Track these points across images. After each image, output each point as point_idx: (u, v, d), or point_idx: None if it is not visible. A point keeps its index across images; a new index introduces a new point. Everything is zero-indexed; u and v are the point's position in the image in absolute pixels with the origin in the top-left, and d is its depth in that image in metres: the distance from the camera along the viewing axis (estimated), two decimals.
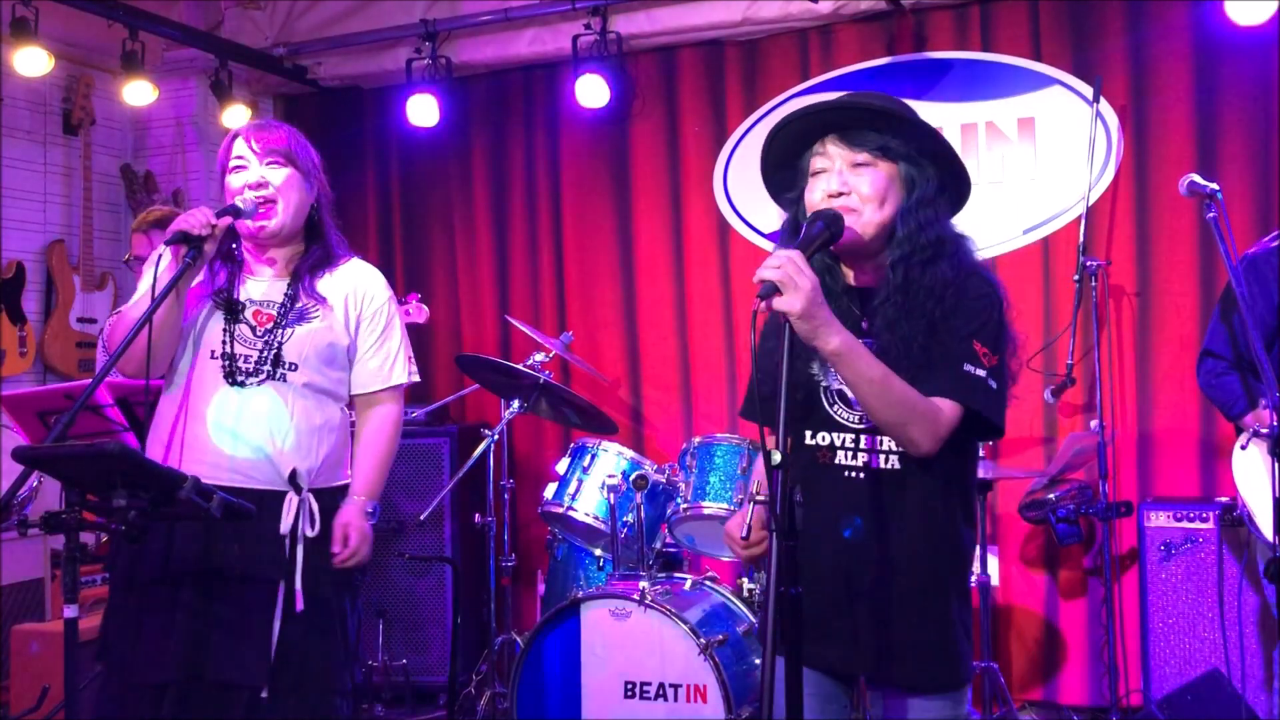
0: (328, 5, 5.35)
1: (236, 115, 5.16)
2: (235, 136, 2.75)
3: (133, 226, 3.91)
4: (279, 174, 2.70)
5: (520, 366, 4.18)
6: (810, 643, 2.07)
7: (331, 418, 2.75)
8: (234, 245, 2.77)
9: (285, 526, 2.62)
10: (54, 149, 5.14)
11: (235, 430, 2.64)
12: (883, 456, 2.07)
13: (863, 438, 2.08)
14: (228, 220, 2.60)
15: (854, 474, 2.09)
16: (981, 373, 2.01)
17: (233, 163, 2.72)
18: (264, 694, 2.58)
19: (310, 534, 2.65)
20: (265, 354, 2.66)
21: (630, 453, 4.07)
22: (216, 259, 2.74)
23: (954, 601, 2.10)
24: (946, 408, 2.00)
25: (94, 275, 5.08)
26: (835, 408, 2.11)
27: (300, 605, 2.61)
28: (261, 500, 2.58)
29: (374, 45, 5.33)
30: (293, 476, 2.64)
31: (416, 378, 2.92)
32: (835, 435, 2.11)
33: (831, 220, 2.00)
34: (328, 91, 5.64)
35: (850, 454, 2.09)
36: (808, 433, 2.14)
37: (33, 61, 4.54)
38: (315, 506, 2.67)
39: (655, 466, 4.04)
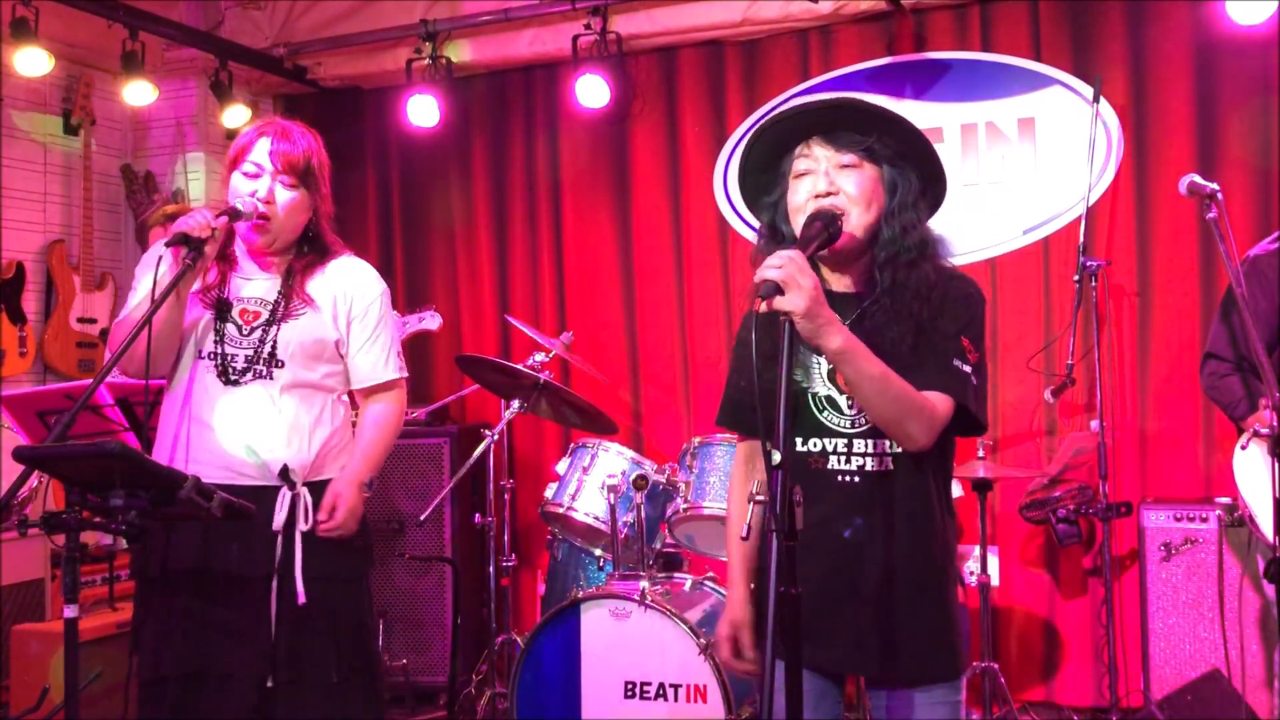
0: (328, 5, 5.35)
1: (236, 115, 5.17)
2: (261, 135, 2.72)
3: (151, 222, 3.92)
4: (286, 195, 2.70)
5: (520, 366, 4.18)
6: (810, 645, 2.08)
7: (324, 411, 2.77)
8: (228, 244, 2.77)
9: (278, 522, 2.63)
10: (54, 149, 5.14)
11: (227, 428, 2.66)
12: (875, 459, 2.08)
13: (855, 442, 2.10)
14: (226, 221, 2.61)
15: (848, 478, 2.10)
16: (967, 369, 2.05)
17: (247, 165, 2.70)
18: (269, 683, 2.60)
19: (304, 528, 2.66)
20: (254, 352, 2.68)
21: (630, 453, 4.07)
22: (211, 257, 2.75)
23: (948, 592, 2.13)
24: (940, 402, 2.02)
25: (94, 275, 5.08)
26: (825, 414, 2.12)
27: (302, 599, 2.62)
28: (256, 496, 2.60)
29: (374, 45, 5.32)
30: (284, 473, 2.66)
31: (405, 373, 2.94)
32: (827, 441, 2.12)
33: (830, 221, 2.01)
34: (328, 91, 5.64)
35: (843, 458, 2.10)
36: (798, 440, 2.14)
37: (33, 61, 4.54)
38: (310, 501, 2.68)
39: (655, 466, 4.03)
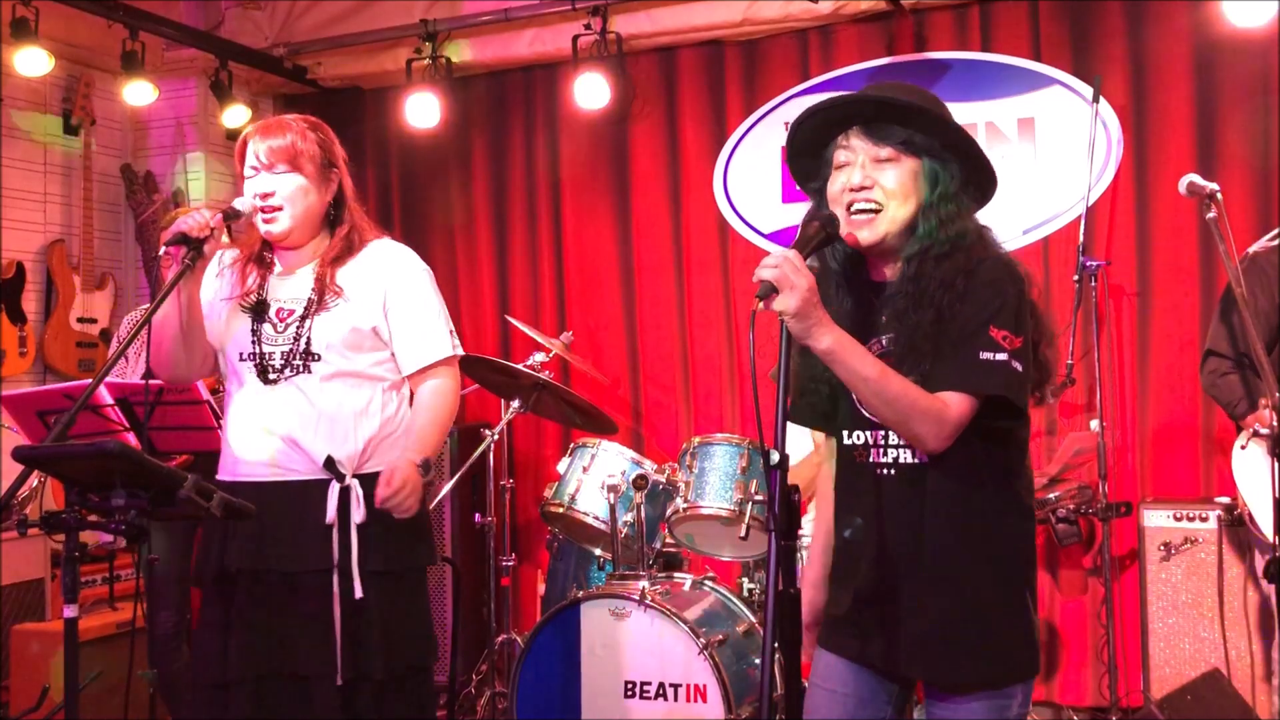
0: (328, 5, 5.35)
1: (236, 115, 5.17)
2: (252, 134, 2.75)
3: (163, 223, 3.94)
4: (285, 182, 2.71)
5: (520, 366, 4.18)
6: (853, 639, 2.10)
7: (371, 402, 2.73)
8: (266, 249, 2.79)
9: (330, 515, 2.62)
10: (54, 149, 5.14)
11: (270, 425, 2.66)
12: (910, 450, 2.05)
13: (891, 434, 2.06)
14: (222, 220, 2.62)
15: (885, 470, 2.08)
16: (1002, 356, 1.97)
17: (246, 170, 2.73)
18: (339, 681, 2.59)
19: (359, 519, 2.63)
20: (290, 348, 2.68)
21: (630, 452, 4.06)
22: (250, 262, 2.77)
23: (994, 595, 2.04)
24: (954, 401, 1.96)
25: (94, 275, 5.08)
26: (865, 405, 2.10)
27: (359, 593, 2.60)
28: (304, 491, 2.62)
29: (374, 45, 5.33)
30: (329, 464, 2.64)
31: (459, 350, 2.85)
32: (867, 433, 2.10)
33: (827, 221, 2.02)
34: (328, 91, 5.64)
35: (881, 450, 2.08)
36: (844, 432, 2.14)
37: (33, 61, 4.54)
38: (360, 493, 2.65)
39: (655, 466, 4.03)
